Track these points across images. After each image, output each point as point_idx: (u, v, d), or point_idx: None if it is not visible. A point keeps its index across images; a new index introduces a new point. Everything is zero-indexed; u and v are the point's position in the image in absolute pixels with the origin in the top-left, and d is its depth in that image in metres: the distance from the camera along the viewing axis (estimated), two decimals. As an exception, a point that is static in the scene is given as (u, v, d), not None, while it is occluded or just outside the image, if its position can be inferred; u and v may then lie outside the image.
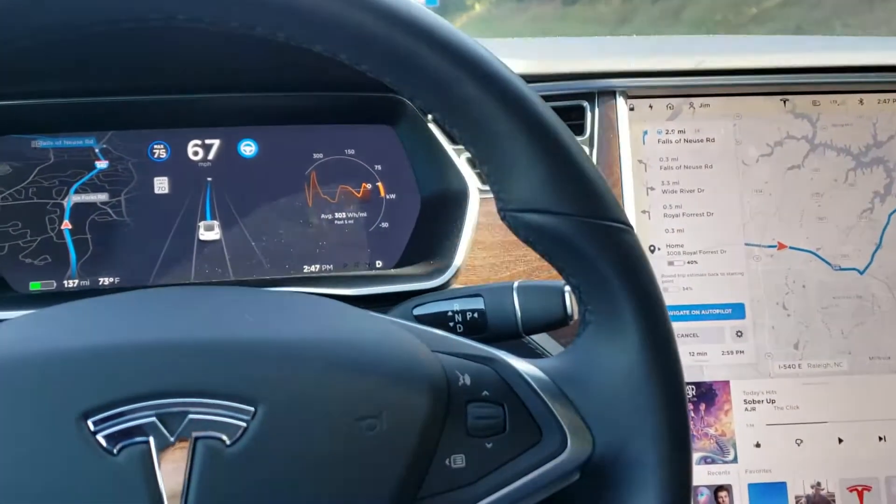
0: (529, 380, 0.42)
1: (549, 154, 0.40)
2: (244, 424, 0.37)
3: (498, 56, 0.40)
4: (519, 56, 0.75)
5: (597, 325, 0.42)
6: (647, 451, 0.40)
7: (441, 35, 0.38)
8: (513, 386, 0.42)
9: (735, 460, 0.74)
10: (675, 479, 0.40)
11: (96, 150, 0.71)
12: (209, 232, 0.72)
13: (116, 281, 0.71)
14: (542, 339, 0.71)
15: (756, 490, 0.74)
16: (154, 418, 0.37)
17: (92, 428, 0.37)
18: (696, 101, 0.77)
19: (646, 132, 0.76)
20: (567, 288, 0.56)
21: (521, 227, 0.41)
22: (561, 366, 0.43)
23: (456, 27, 0.40)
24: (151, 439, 0.37)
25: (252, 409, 0.37)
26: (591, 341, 0.42)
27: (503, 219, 0.42)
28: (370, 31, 0.37)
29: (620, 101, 0.75)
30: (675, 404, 0.41)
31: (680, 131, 0.77)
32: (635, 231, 0.42)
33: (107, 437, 0.37)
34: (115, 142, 0.72)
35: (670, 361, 0.41)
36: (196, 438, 0.37)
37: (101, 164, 0.71)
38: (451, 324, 0.57)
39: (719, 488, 0.74)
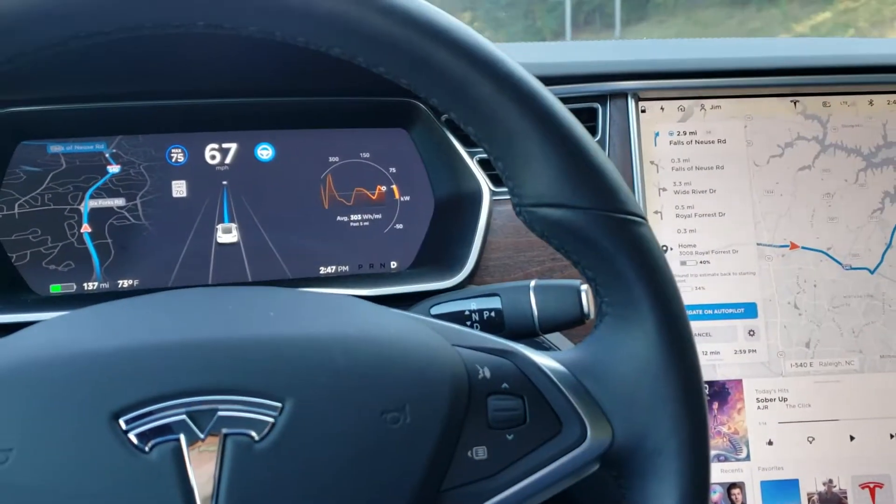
0: (548, 372, 0.43)
1: (563, 149, 0.40)
2: (272, 420, 0.38)
3: (512, 59, 0.41)
4: (531, 59, 0.76)
5: (613, 316, 0.43)
6: (666, 441, 0.41)
7: (455, 36, 0.39)
8: (532, 378, 0.42)
9: (748, 458, 0.74)
10: (693, 469, 0.41)
11: (107, 155, 0.72)
12: (227, 234, 0.73)
13: (136, 283, 0.72)
14: (555, 339, 0.72)
15: (768, 487, 0.74)
16: (184, 416, 0.38)
17: (124, 427, 0.37)
18: (707, 102, 0.77)
19: (657, 133, 0.77)
20: (584, 287, 0.56)
21: (536, 221, 0.42)
22: (579, 358, 0.44)
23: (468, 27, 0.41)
24: (182, 436, 0.37)
25: (279, 404, 0.38)
26: (608, 333, 0.43)
27: (518, 214, 0.43)
28: (385, 34, 0.38)
29: (632, 103, 0.76)
30: (692, 393, 0.42)
31: (691, 132, 0.77)
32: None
33: (138, 436, 0.37)
34: (125, 146, 0.73)
35: (687, 351, 0.42)
36: (226, 435, 0.38)
37: (114, 169, 0.72)
38: (469, 323, 0.58)
39: (732, 485, 0.74)
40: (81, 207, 0.72)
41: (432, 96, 0.40)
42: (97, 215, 0.72)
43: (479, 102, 0.40)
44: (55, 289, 0.71)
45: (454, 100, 0.40)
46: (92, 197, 0.72)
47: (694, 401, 0.41)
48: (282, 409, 0.38)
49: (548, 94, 0.41)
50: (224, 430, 0.38)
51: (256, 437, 0.38)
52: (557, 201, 0.41)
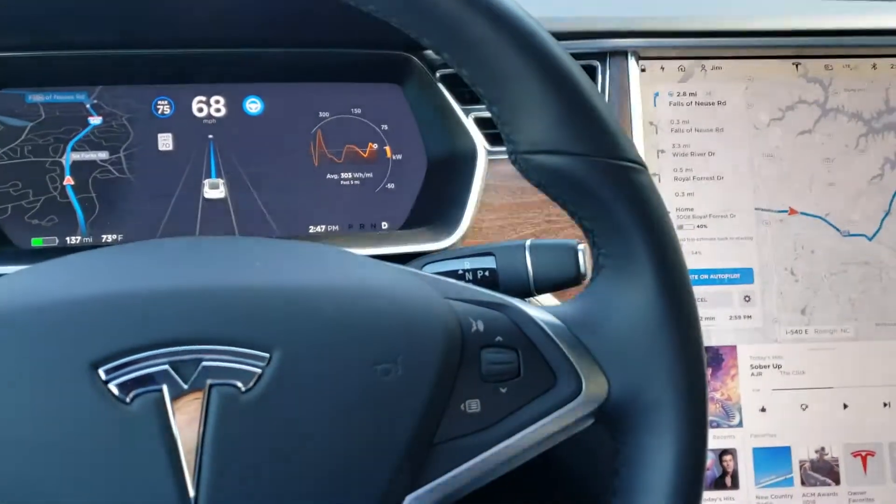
0: (542, 325, 0.41)
1: (561, 93, 0.39)
2: (259, 371, 0.37)
3: None
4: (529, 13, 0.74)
5: (611, 268, 0.41)
6: (663, 394, 0.40)
7: None
8: (526, 331, 0.41)
9: (740, 424, 0.74)
10: (692, 422, 0.40)
11: (88, 106, 0.70)
12: (214, 190, 0.71)
13: (120, 238, 0.70)
14: (547, 301, 0.71)
15: (761, 454, 0.74)
16: (167, 366, 0.36)
17: (104, 377, 0.36)
18: (709, 63, 0.76)
19: (657, 94, 0.76)
20: (580, 246, 0.55)
21: (532, 169, 0.40)
22: (574, 311, 0.42)
23: None
24: (165, 387, 0.36)
25: (267, 355, 0.37)
26: (605, 285, 0.42)
27: (514, 162, 0.41)
28: None
29: (632, 61, 0.74)
30: (691, 345, 0.40)
31: (691, 93, 0.76)
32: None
33: (119, 386, 0.36)
34: (107, 97, 0.70)
35: (686, 302, 0.41)
36: (210, 386, 0.36)
37: (95, 121, 0.70)
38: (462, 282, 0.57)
39: (724, 452, 0.74)
40: (63, 160, 0.69)
41: (424, 35, 0.39)
42: (80, 168, 0.70)
43: (474, 41, 0.38)
44: (37, 242, 0.69)
45: (448, 39, 0.38)
46: (74, 149, 0.70)
47: (692, 353, 0.40)
48: (269, 359, 0.37)
49: (546, 35, 0.39)
50: (209, 381, 0.36)
51: (243, 388, 0.36)
52: (553, 147, 0.39)
